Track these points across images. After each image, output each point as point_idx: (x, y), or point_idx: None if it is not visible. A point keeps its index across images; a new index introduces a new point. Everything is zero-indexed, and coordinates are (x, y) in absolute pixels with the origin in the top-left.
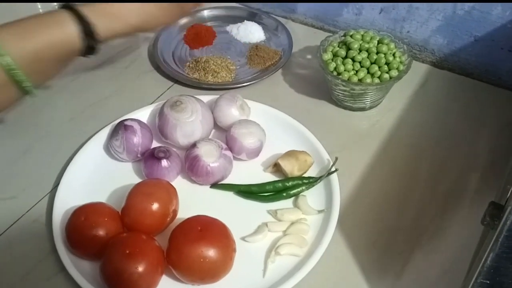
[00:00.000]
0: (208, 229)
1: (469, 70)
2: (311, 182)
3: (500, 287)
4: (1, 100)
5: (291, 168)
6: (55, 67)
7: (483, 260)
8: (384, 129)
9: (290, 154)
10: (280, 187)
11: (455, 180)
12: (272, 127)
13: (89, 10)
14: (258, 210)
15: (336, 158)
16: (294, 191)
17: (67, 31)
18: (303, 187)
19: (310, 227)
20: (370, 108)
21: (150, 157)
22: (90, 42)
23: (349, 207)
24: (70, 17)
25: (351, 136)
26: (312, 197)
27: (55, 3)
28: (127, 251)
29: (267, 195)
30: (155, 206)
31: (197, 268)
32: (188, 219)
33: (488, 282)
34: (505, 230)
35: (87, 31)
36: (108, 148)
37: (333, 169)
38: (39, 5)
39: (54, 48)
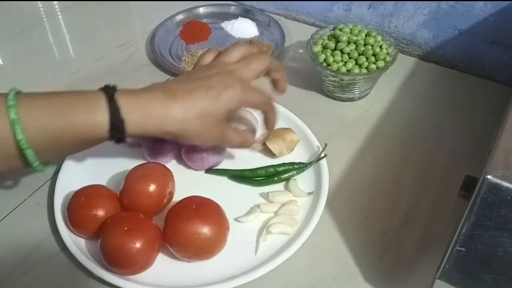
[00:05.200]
0: (203, 207)
1: (454, 62)
2: (301, 167)
3: (475, 254)
4: (6, 167)
5: (279, 150)
6: (73, 149)
7: (459, 229)
8: (373, 118)
9: (277, 135)
10: (272, 172)
11: (441, 165)
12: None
13: (128, 102)
14: (250, 193)
15: (326, 145)
16: (285, 175)
17: (95, 119)
18: (294, 172)
19: (300, 208)
20: (359, 98)
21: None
22: (117, 134)
23: (337, 190)
24: (105, 104)
25: (340, 125)
26: (303, 180)
27: (55, 2)
28: (126, 228)
29: (259, 179)
30: (152, 187)
31: (192, 244)
32: (184, 199)
33: (464, 249)
34: (479, 200)
35: (117, 125)
36: None
37: (322, 155)
38: (39, 3)
39: (77, 133)
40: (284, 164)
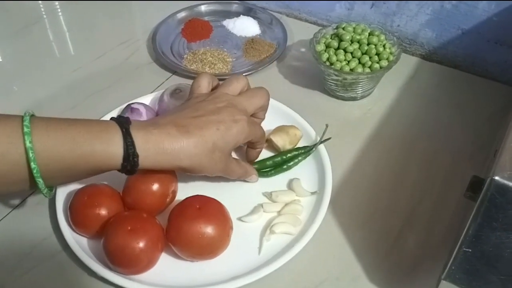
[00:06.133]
0: (206, 207)
1: (457, 62)
2: (306, 151)
3: (481, 254)
4: (16, 190)
5: (283, 143)
6: (80, 178)
7: (465, 230)
8: (375, 117)
9: (281, 129)
10: (279, 161)
11: (444, 165)
12: (267, 113)
13: (142, 137)
14: (253, 192)
15: (327, 126)
16: (292, 162)
17: (110, 153)
18: (300, 158)
19: (303, 208)
20: (362, 98)
21: None
22: (129, 167)
23: (341, 189)
24: (120, 139)
25: (343, 124)
26: (306, 180)
27: (56, 2)
28: (129, 228)
29: (268, 170)
30: (155, 186)
31: (195, 244)
32: (187, 198)
33: (470, 250)
34: (486, 201)
35: (131, 159)
36: None
37: (325, 137)
38: (40, 3)
39: (89, 165)
40: (290, 151)
